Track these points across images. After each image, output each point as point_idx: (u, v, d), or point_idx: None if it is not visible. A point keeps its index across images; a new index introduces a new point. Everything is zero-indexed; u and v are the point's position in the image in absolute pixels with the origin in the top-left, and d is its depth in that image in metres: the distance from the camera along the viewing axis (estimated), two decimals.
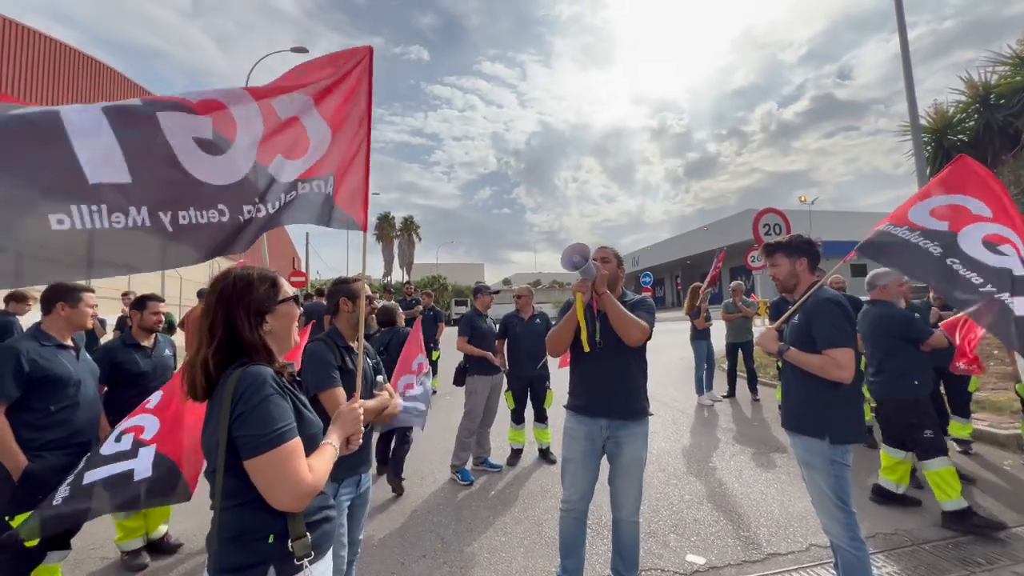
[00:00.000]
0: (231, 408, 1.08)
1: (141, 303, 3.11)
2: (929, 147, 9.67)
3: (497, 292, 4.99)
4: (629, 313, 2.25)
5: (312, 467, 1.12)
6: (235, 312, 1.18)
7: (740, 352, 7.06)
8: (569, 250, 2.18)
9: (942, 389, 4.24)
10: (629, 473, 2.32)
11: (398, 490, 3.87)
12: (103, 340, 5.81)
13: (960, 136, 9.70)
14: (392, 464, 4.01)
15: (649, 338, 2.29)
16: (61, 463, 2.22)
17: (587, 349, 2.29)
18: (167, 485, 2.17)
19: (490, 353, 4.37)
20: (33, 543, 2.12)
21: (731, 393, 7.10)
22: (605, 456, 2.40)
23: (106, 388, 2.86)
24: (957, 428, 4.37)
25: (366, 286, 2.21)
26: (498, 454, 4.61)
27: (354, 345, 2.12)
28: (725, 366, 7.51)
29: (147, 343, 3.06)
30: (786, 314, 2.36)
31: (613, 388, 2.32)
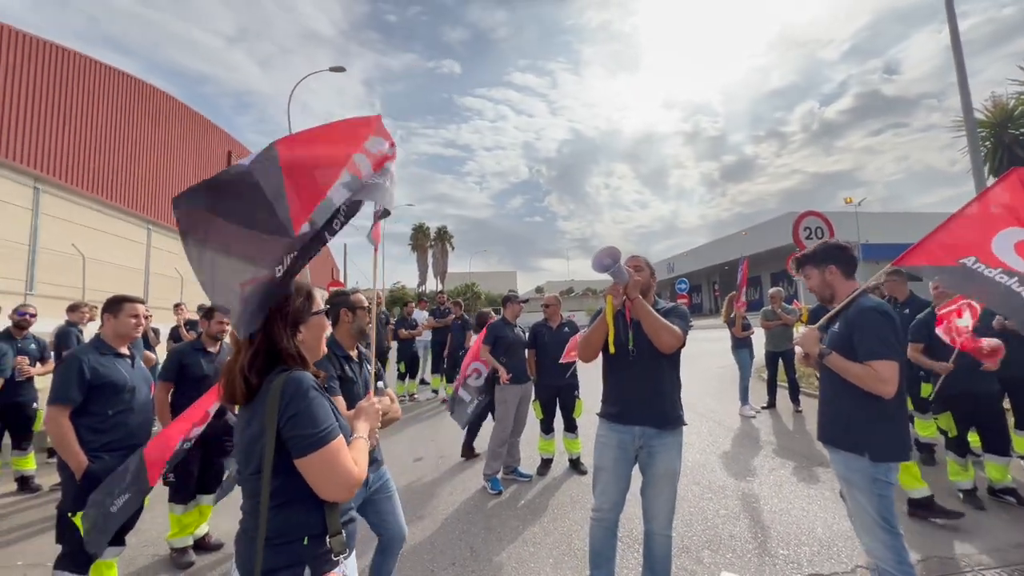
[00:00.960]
0: (279, 411, 1.13)
1: (209, 313, 3.39)
2: (987, 143, 9.07)
3: (526, 301, 5.02)
4: (662, 319, 2.22)
5: (356, 460, 1.19)
6: (273, 321, 1.24)
7: (781, 361, 6.78)
8: (600, 253, 2.17)
9: (1006, 404, 3.93)
10: (662, 484, 2.27)
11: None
12: (157, 348, 6.18)
13: (1022, 130, 9.05)
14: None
15: (683, 345, 2.27)
16: (117, 463, 2.38)
17: (612, 351, 2.29)
18: (139, 481, 2.32)
19: (501, 367, 4.33)
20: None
21: (771, 404, 6.82)
22: (637, 466, 2.36)
23: (173, 387, 3.14)
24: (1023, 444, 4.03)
25: (362, 297, 2.30)
26: (528, 464, 4.60)
27: (353, 354, 2.24)
28: (765, 375, 7.23)
29: (213, 349, 3.32)
30: (826, 316, 2.27)
31: (646, 396, 2.29)
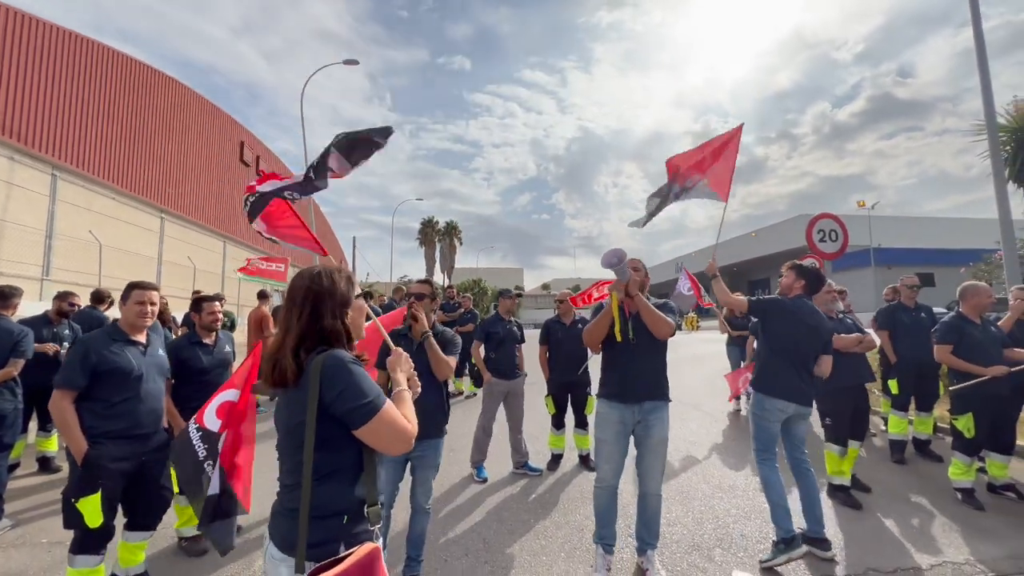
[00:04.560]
0: (321, 388, 1.18)
1: (197, 305, 3.30)
2: (1008, 147, 8.92)
3: (519, 295, 5.12)
4: (659, 312, 2.65)
5: (405, 414, 1.30)
6: (323, 304, 1.29)
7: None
8: (608, 253, 2.55)
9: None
10: (657, 452, 2.70)
11: None
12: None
13: None
14: None
15: (674, 334, 2.69)
16: (120, 452, 2.35)
17: (619, 339, 2.70)
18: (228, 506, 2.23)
19: (486, 370, 4.53)
20: (96, 524, 2.23)
21: None
22: (633, 439, 2.78)
23: (173, 382, 3.01)
24: None
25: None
26: (537, 459, 4.63)
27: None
28: None
29: (209, 340, 3.28)
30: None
31: (644, 376, 2.73)
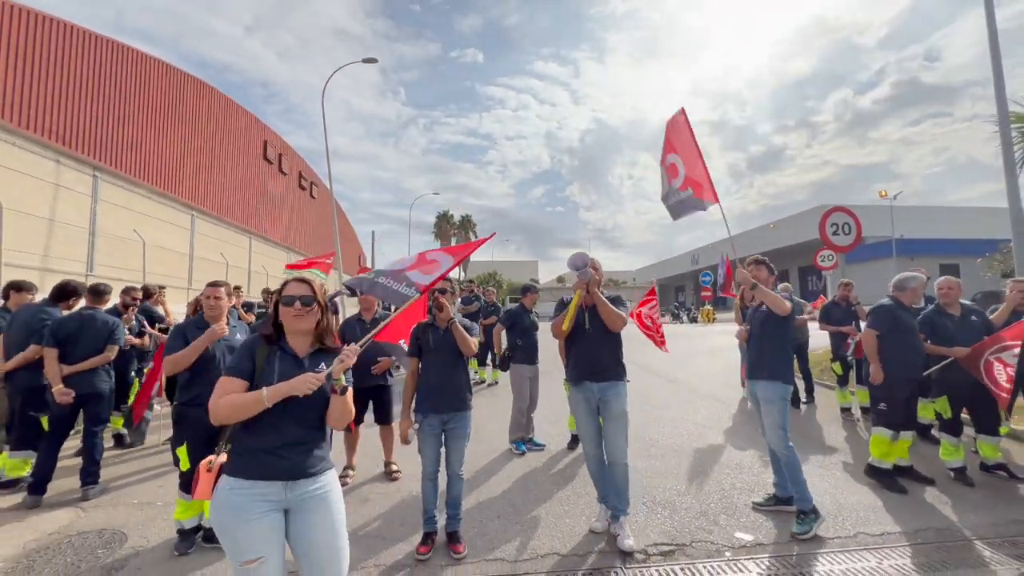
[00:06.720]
0: None
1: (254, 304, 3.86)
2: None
3: (535, 291, 5.62)
4: (614, 308, 3.04)
5: (220, 399, 1.61)
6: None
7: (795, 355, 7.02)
8: (575, 256, 3.01)
9: None
10: (617, 423, 3.05)
11: None
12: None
13: None
14: None
15: (625, 324, 3.12)
16: (198, 414, 2.81)
17: (565, 327, 3.15)
18: None
19: (504, 358, 5.18)
20: (185, 468, 2.84)
21: None
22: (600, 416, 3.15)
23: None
24: None
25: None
26: (560, 439, 5.06)
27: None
28: None
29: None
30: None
31: (599, 360, 3.12)
